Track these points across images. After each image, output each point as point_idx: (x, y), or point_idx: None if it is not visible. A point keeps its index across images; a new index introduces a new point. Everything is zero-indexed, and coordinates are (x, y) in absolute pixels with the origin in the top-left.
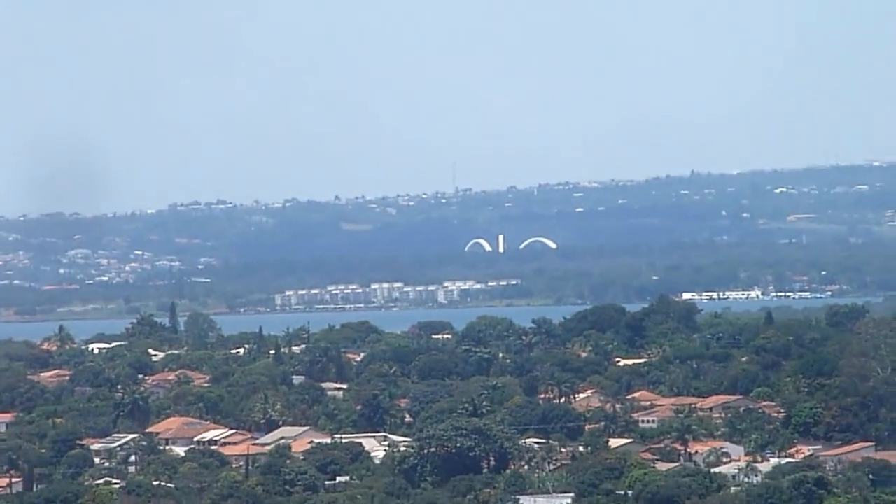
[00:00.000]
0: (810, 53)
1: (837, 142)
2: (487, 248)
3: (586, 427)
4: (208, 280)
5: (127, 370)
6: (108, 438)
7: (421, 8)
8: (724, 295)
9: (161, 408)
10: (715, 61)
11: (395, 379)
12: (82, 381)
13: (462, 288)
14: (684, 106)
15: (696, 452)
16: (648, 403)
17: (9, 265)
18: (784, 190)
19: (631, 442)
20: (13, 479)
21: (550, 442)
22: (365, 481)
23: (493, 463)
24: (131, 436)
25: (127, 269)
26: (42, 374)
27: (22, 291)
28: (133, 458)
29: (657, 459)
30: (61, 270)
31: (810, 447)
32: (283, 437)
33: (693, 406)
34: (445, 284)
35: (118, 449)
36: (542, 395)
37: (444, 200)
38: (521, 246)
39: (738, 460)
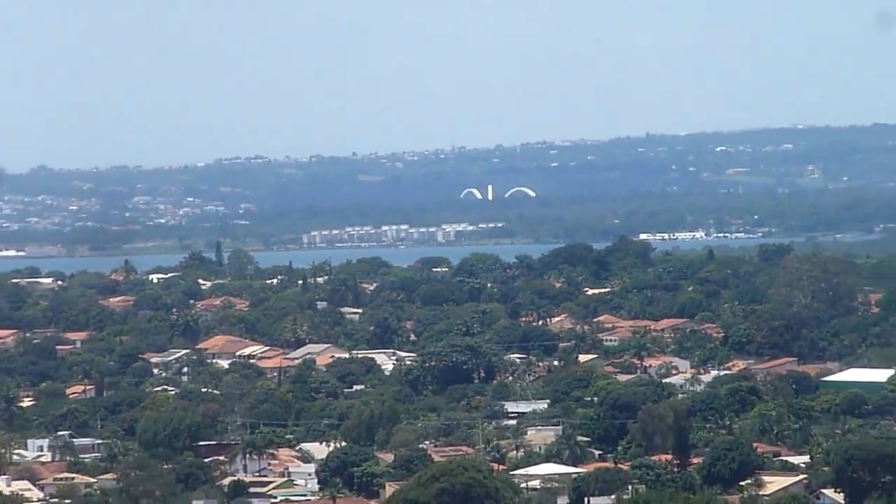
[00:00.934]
0: (741, 30)
1: (768, 107)
2: (478, 196)
3: (560, 345)
4: (247, 222)
5: (180, 296)
6: (164, 353)
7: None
8: (673, 236)
9: (208, 328)
10: (665, 38)
11: (401, 305)
12: (143, 305)
13: (457, 229)
14: (642, 75)
15: (650, 366)
16: (611, 325)
17: (83, 209)
18: (723, 149)
19: (596, 357)
20: (87, 387)
21: (530, 357)
22: (377, 389)
23: (482, 374)
24: (184, 351)
25: (180, 213)
26: (111, 300)
27: (94, 231)
28: (185, 369)
29: (618, 372)
30: (126, 214)
31: (744, 361)
32: (308, 353)
33: (648, 328)
34: (443, 226)
35: (173, 362)
36: (524, 319)
37: (442, 156)
38: (507, 195)
39: (685, 372)
